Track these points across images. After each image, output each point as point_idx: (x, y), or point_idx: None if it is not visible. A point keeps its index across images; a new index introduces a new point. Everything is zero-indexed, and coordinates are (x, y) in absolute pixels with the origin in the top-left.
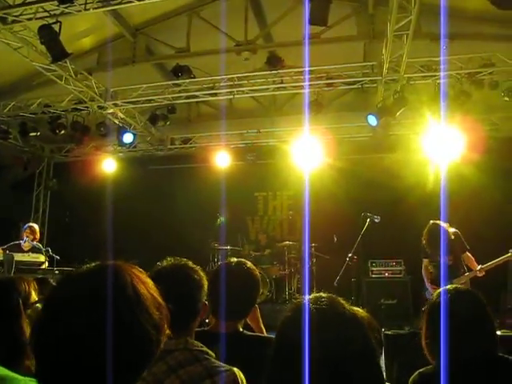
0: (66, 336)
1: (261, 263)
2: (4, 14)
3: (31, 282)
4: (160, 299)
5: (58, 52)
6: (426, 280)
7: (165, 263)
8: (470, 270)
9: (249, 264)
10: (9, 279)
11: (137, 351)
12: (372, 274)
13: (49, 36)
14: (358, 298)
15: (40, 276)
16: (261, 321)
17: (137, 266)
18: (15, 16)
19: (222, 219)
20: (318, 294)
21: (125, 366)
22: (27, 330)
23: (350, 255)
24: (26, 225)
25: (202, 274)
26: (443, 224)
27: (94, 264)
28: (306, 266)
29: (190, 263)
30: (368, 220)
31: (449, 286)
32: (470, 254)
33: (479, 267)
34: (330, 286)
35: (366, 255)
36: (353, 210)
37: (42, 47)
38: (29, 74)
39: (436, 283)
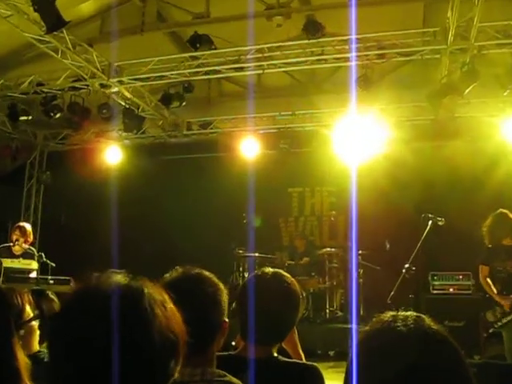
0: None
1: (296, 274)
2: None
3: (25, 294)
4: (178, 318)
5: (53, 20)
6: (490, 292)
7: (174, 274)
8: None
9: (288, 276)
10: None
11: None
12: (433, 289)
13: (43, 2)
14: None
15: (35, 287)
16: (299, 345)
17: (151, 283)
18: None
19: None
20: (403, 313)
21: None
22: (20, 354)
23: (406, 266)
24: (16, 225)
25: (219, 285)
26: None
27: (101, 279)
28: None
29: (205, 273)
30: (429, 223)
31: None
32: None
33: None
34: (382, 303)
35: (427, 266)
36: (410, 210)
37: (35, 15)
38: (19, 48)
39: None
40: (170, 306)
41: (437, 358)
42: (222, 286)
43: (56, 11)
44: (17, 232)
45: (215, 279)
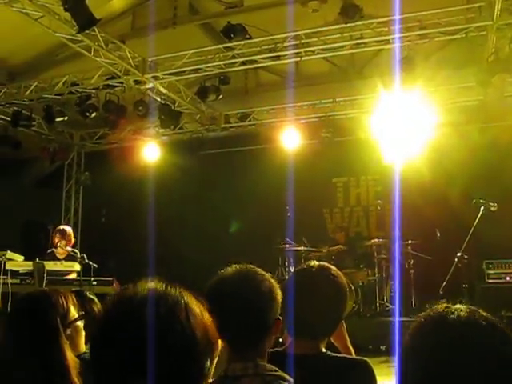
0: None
1: (343, 267)
2: None
3: (69, 295)
4: (211, 325)
5: (84, 19)
6: None
7: (228, 271)
8: None
9: (334, 269)
10: (43, 293)
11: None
12: (488, 278)
13: (73, 1)
14: None
15: (75, 289)
16: (348, 339)
17: (186, 291)
18: None
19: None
20: (457, 306)
21: None
22: (69, 352)
23: (459, 254)
24: (56, 228)
25: (272, 282)
26: None
27: (139, 288)
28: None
29: (259, 270)
30: (481, 208)
31: None
32: None
33: None
34: (435, 294)
35: (481, 254)
36: (460, 196)
37: (66, 15)
38: (51, 48)
39: None
40: (205, 313)
41: (492, 347)
42: (276, 284)
43: (87, 9)
44: (58, 235)
45: (269, 277)
